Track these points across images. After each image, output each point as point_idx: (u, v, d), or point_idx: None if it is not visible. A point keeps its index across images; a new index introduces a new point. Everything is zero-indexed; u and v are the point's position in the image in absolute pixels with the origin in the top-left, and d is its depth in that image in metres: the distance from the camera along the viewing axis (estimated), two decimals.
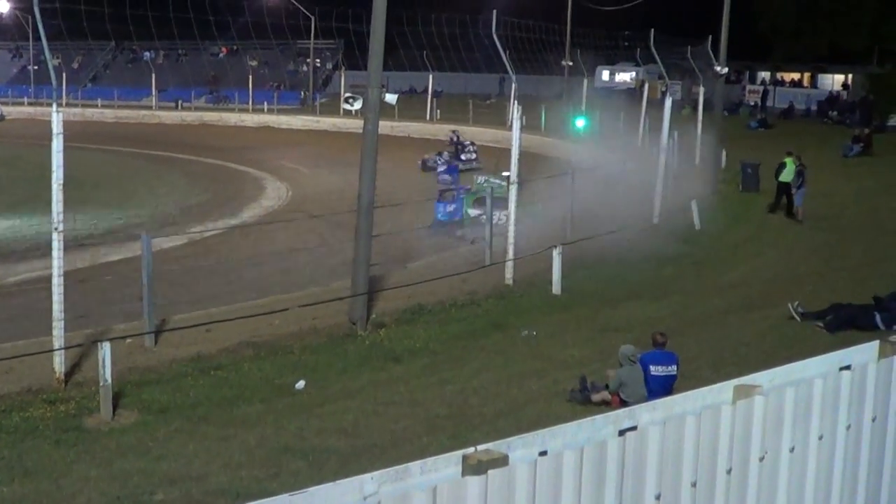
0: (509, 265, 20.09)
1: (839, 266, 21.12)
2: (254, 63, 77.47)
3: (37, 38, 56.17)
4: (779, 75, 69.25)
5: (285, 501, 3.66)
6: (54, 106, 13.13)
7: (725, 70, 36.86)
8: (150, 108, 70.08)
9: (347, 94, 60.81)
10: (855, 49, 65.46)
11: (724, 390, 5.15)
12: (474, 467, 4.00)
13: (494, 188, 23.58)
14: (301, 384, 13.81)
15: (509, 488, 4.01)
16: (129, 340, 15.02)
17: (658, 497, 4.56)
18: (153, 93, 71.32)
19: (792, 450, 5.12)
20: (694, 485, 4.70)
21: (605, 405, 12.01)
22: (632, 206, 25.39)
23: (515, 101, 22.29)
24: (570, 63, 59.92)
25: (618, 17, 57.21)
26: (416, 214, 25.95)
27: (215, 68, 78.47)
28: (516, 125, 20.82)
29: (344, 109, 61.12)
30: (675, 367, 12.29)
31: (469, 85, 71.04)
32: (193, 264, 20.24)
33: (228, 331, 15.80)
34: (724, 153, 36.46)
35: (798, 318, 16.17)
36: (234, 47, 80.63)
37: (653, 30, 30.43)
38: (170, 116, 67.22)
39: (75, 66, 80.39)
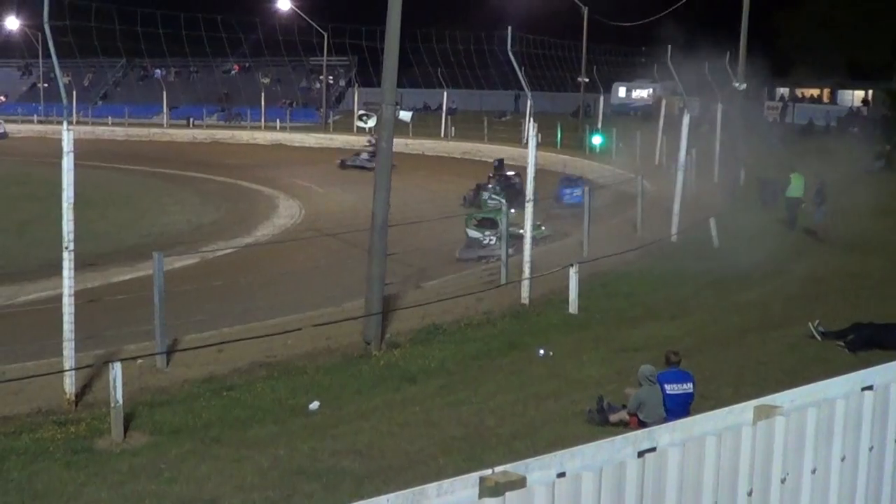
0: (525, 284, 19.95)
1: (861, 284, 20.86)
2: (266, 80, 77.37)
3: (47, 56, 56.62)
4: (798, 91, 68.94)
5: None
6: (65, 124, 13.18)
7: (744, 86, 36.70)
8: (161, 125, 70.21)
9: (361, 112, 60.66)
10: (875, 65, 65.14)
11: (744, 411, 5.07)
12: (492, 489, 3.96)
13: (500, 208, 23.37)
14: (315, 405, 13.72)
15: None
16: (140, 361, 14.94)
17: None
18: (164, 110, 71.41)
19: (814, 471, 5.05)
20: None
21: (623, 426, 11.82)
22: (650, 224, 25.20)
23: (531, 118, 22.13)
24: (587, 80, 59.79)
25: (634, 33, 57.10)
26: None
27: (227, 86, 78.27)
28: (532, 143, 20.71)
29: (357, 127, 61.22)
30: (691, 385, 12.10)
31: (484, 102, 70.96)
32: (206, 283, 20.12)
33: (241, 351, 15.74)
34: (742, 170, 36.29)
35: (819, 338, 15.92)
36: (246, 64, 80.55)
37: (670, 46, 30.32)
38: (181, 134, 67.23)
39: (86, 83, 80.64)
